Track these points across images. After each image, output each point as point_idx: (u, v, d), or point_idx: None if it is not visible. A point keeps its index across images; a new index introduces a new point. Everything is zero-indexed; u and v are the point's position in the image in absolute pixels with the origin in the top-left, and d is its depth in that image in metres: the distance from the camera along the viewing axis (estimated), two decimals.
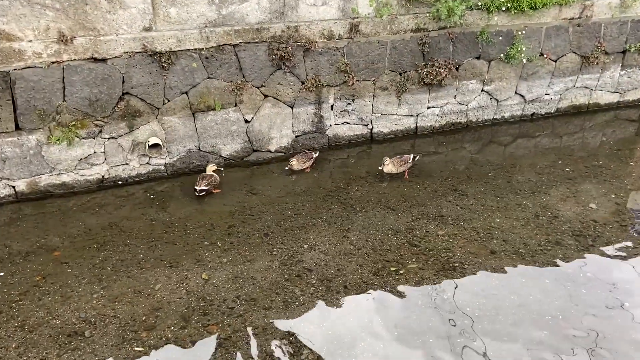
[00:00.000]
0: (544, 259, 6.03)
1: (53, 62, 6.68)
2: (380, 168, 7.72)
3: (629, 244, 6.29)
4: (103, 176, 7.49)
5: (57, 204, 7.11)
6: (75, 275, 5.76)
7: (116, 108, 7.16)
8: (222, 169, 7.75)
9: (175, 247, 6.25)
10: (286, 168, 7.97)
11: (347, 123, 8.81)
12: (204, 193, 7.20)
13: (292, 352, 4.79)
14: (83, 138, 7.13)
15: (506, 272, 5.82)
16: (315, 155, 8.11)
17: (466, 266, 5.91)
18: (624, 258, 6.05)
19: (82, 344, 4.86)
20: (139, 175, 7.71)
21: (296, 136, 8.53)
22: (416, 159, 7.91)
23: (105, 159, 7.39)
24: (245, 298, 5.44)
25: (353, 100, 8.62)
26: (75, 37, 6.67)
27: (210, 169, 7.47)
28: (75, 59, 6.78)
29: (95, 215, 6.90)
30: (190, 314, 5.22)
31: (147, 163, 7.67)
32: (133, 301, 5.38)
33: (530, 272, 5.84)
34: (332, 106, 8.55)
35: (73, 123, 6.98)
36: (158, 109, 7.45)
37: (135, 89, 7.19)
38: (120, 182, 7.62)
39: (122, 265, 5.93)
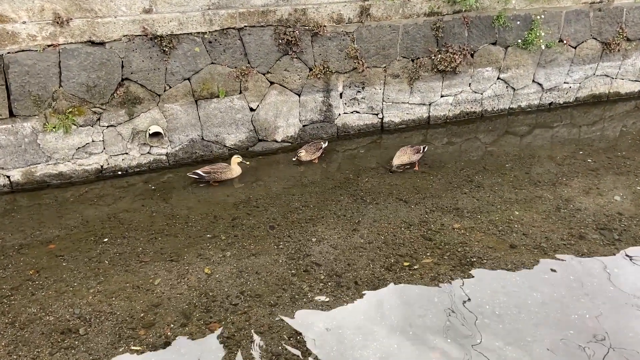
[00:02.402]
0: (567, 254, 5.66)
1: (48, 46, 6.36)
2: (392, 162, 7.35)
3: None
4: (102, 166, 7.18)
5: (53, 194, 6.81)
6: (71, 269, 5.46)
7: (115, 94, 6.84)
8: (248, 162, 7.26)
9: (177, 240, 5.93)
10: (294, 159, 7.62)
11: (357, 112, 8.44)
12: (196, 177, 6.87)
13: (300, 353, 4.47)
14: (80, 126, 6.81)
15: (528, 268, 5.47)
16: (324, 145, 7.75)
17: (484, 261, 5.56)
18: None
19: (76, 342, 4.57)
20: (140, 166, 7.39)
21: (303, 125, 8.17)
22: (425, 149, 7.55)
23: (104, 148, 7.07)
24: (250, 294, 5.12)
25: (363, 88, 8.25)
26: (71, 19, 6.34)
27: (235, 160, 7.01)
28: (71, 42, 6.45)
29: (93, 206, 6.60)
30: (192, 310, 4.91)
31: (148, 153, 7.35)
32: (131, 297, 5.08)
33: (554, 267, 5.48)
34: (341, 94, 8.19)
35: (70, 110, 6.66)
36: (159, 95, 7.11)
37: (135, 75, 6.86)
38: (119, 173, 7.31)
39: (120, 258, 5.62)
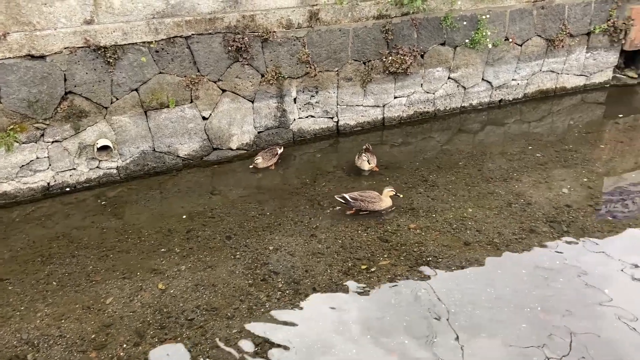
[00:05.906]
0: (519, 248, 5.81)
1: None
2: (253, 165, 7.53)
3: (604, 227, 6.12)
4: (49, 183, 6.92)
5: None
6: (17, 293, 5.24)
7: (59, 109, 6.60)
8: (401, 195, 6.67)
9: (129, 256, 5.77)
10: (250, 166, 7.55)
11: (312, 116, 8.44)
12: (343, 202, 6.40)
13: None
14: (23, 143, 6.55)
15: (481, 264, 5.57)
16: (280, 151, 7.71)
17: (440, 260, 5.63)
18: (599, 242, 5.88)
19: None
20: (89, 181, 7.16)
21: (259, 132, 8.11)
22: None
23: (50, 165, 6.82)
24: (206, 307, 5.03)
25: (317, 92, 8.25)
26: (8, 33, 6.09)
27: (387, 193, 6.45)
28: (9, 57, 6.19)
29: (40, 225, 6.35)
30: (146, 328, 4.79)
31: (97, 167, 7.13)
32: (81, 318, 4.91)
33: (506, 262, 5.60)
34: (295, 99, 8.16)
35: (11, 127, 6.40)
36: (106, 108, 6.92)
37: (79, 88, 6.65)
38: (68, 189, 7.06)
39: (70, 279, 5.43)
